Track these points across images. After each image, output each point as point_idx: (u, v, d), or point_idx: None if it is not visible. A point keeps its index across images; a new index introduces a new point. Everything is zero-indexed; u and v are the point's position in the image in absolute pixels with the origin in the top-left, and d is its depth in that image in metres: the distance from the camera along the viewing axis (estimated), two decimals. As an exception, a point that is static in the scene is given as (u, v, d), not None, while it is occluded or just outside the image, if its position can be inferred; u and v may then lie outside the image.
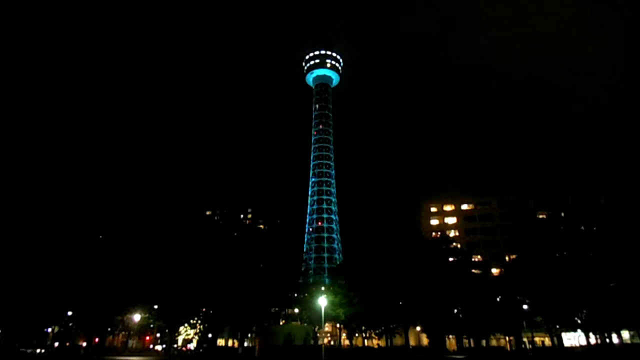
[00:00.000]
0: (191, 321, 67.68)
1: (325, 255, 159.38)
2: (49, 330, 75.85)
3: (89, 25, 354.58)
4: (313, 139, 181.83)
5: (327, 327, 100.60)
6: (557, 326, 71.45)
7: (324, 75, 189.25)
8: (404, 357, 60.51)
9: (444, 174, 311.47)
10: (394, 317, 67.91)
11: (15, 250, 57.45)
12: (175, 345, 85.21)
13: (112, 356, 65.35)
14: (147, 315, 73.23)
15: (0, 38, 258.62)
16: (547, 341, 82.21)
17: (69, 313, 65.59)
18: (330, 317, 74.98)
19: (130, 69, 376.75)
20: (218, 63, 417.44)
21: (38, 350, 70.00)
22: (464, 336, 79.22)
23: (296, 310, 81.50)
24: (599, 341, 66.83)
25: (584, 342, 72.06)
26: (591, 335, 67.09)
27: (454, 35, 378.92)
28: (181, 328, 72.85)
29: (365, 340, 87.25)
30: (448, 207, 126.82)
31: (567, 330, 78.20)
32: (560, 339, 78.02)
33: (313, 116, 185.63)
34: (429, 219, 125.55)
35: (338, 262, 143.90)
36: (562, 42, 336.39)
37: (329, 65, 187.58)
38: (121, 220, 78.60)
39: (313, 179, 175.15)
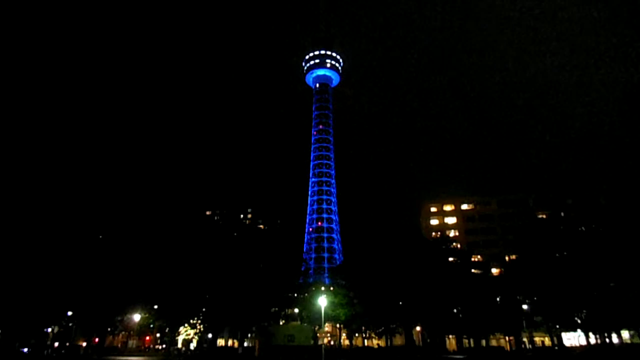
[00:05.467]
0: (191, 321, 67.66)
1: (325, 255, 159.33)
2: (49, 330, 75.80)
3: (89, 25, 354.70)
4: (313, 139, 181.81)
5: (327, 327, 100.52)
6: (557, 326, 71.42)
7: (324, 75, 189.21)
8: (404, 357, 60.48)
9: (444, 174, 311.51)
10: (394, 317, 67.86)
11: (15, 250, 57.38)
12: (175, 347, 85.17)
13: (112, 356, 65.35)
14: (147, 315, 73.21)
15: (1, 38, 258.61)
16: (547, 341, 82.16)
17: (69, 313, 65.57)
18: (330, 317, 74.92)
19: (131, 69, 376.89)
20: (218, 63, 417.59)
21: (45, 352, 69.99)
22: (464, 336, 79.19)
23: (296, 310, 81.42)
24: (599, 341, 66.78)
25: (584, 342, 72.01)
26: (591, 335, 67.05)
27: (455, 35, 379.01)
28: (181, 328, 72.85)
29: (365, 340, 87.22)
30: (448, 207, 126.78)
31: (567, 330, 78.12)
32: (560, 339, 77.97)
33: (313, 116, 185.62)
34: (429, 219, 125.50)
35: (338, 262, 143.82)
36: (564, 43, 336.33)
37: (329, 65, 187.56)
38: (121, 220, 78.51)
39: (313, 179, 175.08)
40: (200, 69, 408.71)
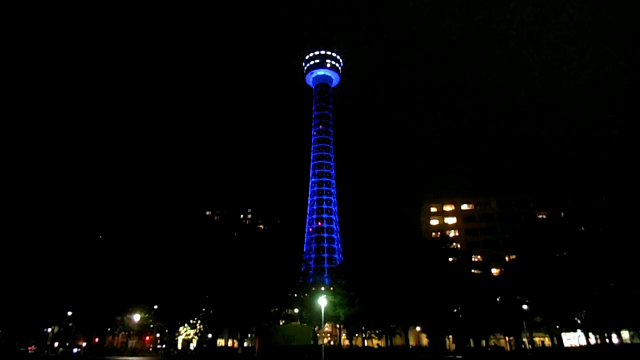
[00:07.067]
0: (191, 321, 67.71)
1: (325, 255, 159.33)
2: (49, 330, 75.83)
3: (89, 25, 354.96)
4: (313, 139, 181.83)
5: (327, 327, 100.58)
6: (557, 326, 71.37)
7: (324, 75, 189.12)
8: (404, 357, 60.51)
9: (444, 174, 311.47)
10: (394, 317, 67.86)
11: (16, 250, 57.47)
12: (173, 348, 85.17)
13: (112, 356, 65.37)
14: (147, 315, 73.26)
15: (1, 37, 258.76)
16: (547, 341, 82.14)
17: (69, 313, 65.62)
18: (330, 317, 74.93)
19: (131, 69, 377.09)
20: (218, 64, 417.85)
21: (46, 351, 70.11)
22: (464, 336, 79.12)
23: (296, 311, 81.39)
24: (598, 341, 66.78)
25: (584, 342, 72.01)
26: (591, 335, 67.05)
27: (456, 35, 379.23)
28: (181, 328, 72.95)
29: (365, 341, 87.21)
30: (448, 207, 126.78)
31: (567, 330, 78.09)
32: (560, 339, 77.95)
33: (313, 116, 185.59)
34: (429, 219, 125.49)
35: (338, 262, 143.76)
36: (564, 43, 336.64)
37: (329, 65, 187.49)
38: (121, 220, 78.66)
39: (313, 179, 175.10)
40: (200, 69, 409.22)
